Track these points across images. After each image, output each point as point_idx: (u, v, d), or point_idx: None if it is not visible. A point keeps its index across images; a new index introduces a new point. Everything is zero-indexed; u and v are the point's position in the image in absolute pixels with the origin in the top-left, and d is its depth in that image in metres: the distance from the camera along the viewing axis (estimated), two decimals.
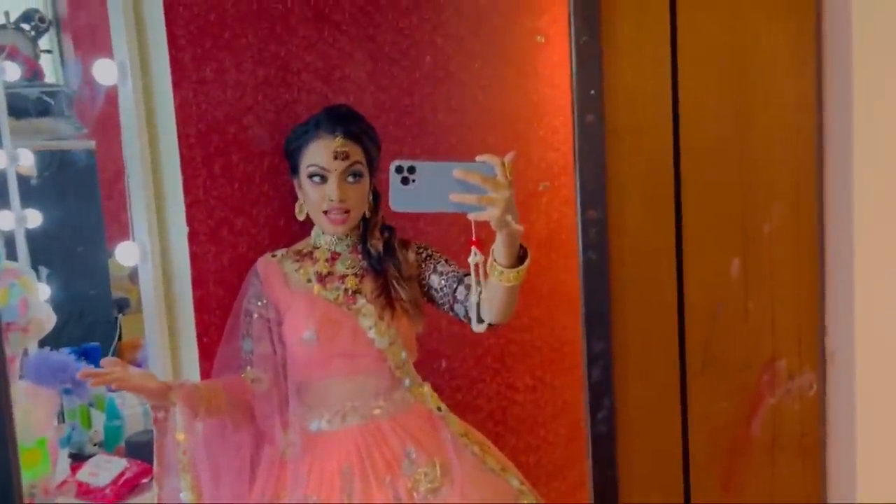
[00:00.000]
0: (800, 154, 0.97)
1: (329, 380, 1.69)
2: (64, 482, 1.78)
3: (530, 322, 2.45)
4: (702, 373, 0.99)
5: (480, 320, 1.51)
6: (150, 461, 1.84)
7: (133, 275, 2.31)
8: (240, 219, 1.87)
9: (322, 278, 1.71)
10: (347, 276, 1.72)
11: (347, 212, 1.68)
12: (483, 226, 1.39)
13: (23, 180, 2.29)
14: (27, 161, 2.21)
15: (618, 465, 0.98)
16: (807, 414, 0.98)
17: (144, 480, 1.79)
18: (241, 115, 1.86)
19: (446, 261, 1.75)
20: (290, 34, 1.92)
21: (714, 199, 0.98)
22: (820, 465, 0.98)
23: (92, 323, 2.57)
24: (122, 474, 1.77)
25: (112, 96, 1.89)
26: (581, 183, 0.99)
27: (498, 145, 2.32)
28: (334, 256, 1.74)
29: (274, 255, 1.77)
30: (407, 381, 1.73)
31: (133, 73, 1.78)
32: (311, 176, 1.68)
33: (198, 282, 1.82)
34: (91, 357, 2.02)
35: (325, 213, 1.68)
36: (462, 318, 1.68)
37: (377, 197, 1.78)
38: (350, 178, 1.68)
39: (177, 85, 1.78)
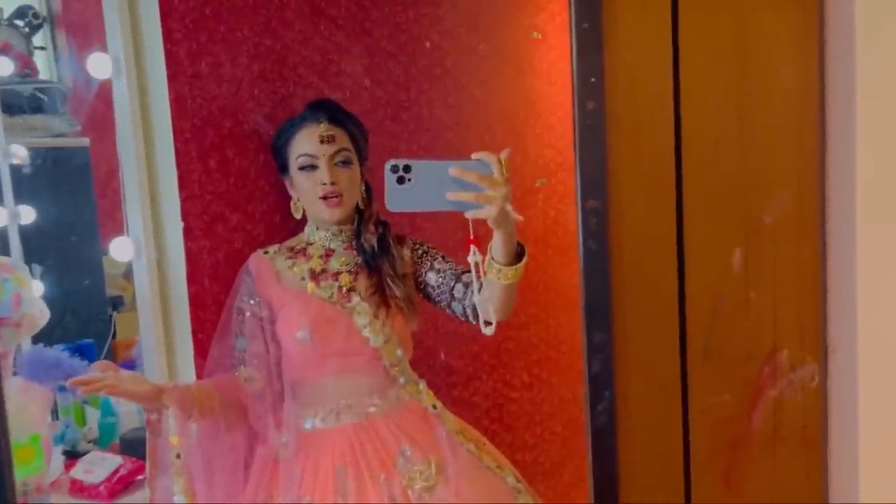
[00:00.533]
0: (802, 144, 0.96)
1: (323, 378, 1.68)
2: (57, 479, 1.76)
3: (527, 319, 2.45)
4: (703, 364, 0.98)
5: (487, 322, 1.47)
6: (145, 458, 1.83)
7: (128, 273, 2.30)
8: (235, 214, 1.86)
9: (316, 276, 1.70)
10: (341, 273, 1.70)
11: (341, 195, 1.66)
12: (481, 224, 1.38)
13: (17, 175, 2.27)
14: (20, 153, 2.19)
15: (618, 458, 0.97)
16: (809, 406, 0.97)
17: (139, 477, 1.78)
18: (237, 109, 1.85)
19: (443, 258, 1.74)
20: (286, 28, 1.91)
21: (715, 189, 0.98)
22: (822, 457, 0.98)
23: (86, 321, 2.55)
24: (116, 471, 1.75)
25: (106, 93, 1.88)
26: (581, 172, 0.98)
27: (495, 142, 2.31)
28: (328, 253, 1.73)
29: (266, 252, 1.76)
30: (402, 379, 1.72)
31: (127, 68, 1.77)
32: (301, 167, 1.67)
33: (193, 277, 1.81)
34: (85, 354, 2.00)
35: (320, 199, 1.66)
36: (459, 316, 1.67)
37: (369, 190, 1.77)
38: (339, 164, 1.67)
39: (172, 79, 1.77)
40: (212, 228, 1.83)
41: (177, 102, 1.78)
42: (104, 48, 1.81)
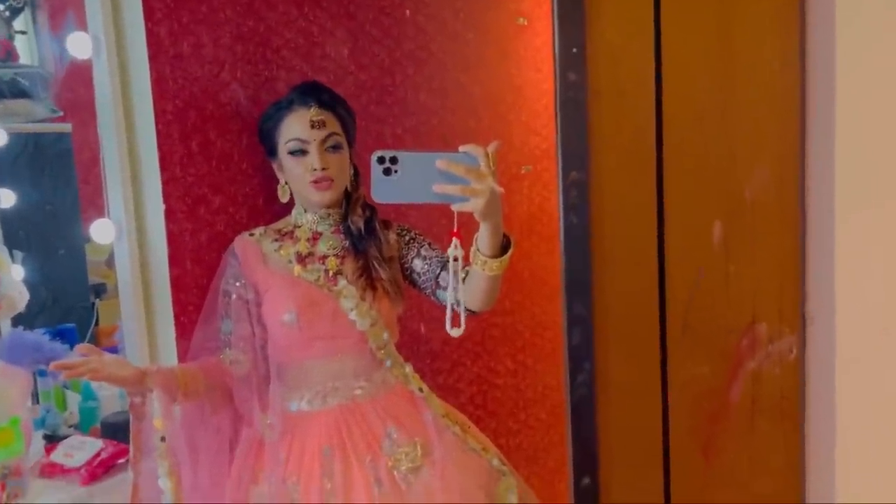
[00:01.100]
0: (783, 120, 0.97)
1: (309, 361, 1.68)
2: (37, 463, 1.75)
3: (512, 306, 2.45)
4: (682, 337, 0.99)
5: (455, 325, 1.42)
6: (127, 442, 1.82)
7: (110, 260, 2.27)
8: (217, 197, 1.85)
9: (302, 259, 1.69)
10: (328, 256, 1.70)
11: (332, 180, 1.66)
12: (467, 216, 1.38)
13: None
14: (1, 138, 2.16)
15: (597, 429, 0.98)
16: (787, 378, 0.97)
17: (120, 461, 1.76)
18: (219, 91, 1.84)
19: (430, 245, 1.74)
20: (270, 9, 1.89)
21: (696, 163, 0.98)
22: (799, 428, 0.98)
23: (69, 308, 2.53)
24: (97, 455, 1.74)
25: (88, 78, 1.86)
26: (563, 145, 0.97)
27: (480, 128, 2.31)
28: (316, 236, 1.73)
29: (252, 234, 1.75)
30: (388, 362, 1.72)
31: (108, 47, 1.75)
32: (291, 152, 1.67)
33: (175, 260, 1.80)
34: (66, 338, 1.99)
35: (311, 183, 1.66)
36: (443, 304, 1.68)
37: (357, 173, 1.76)
38: (330, 149, 1.66)
39: (153, 59, 1.75)
40: (194, 211, 1.82)
41: (158, 83, 1.76)
42: (84, 29, 1.79)
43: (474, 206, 1.31)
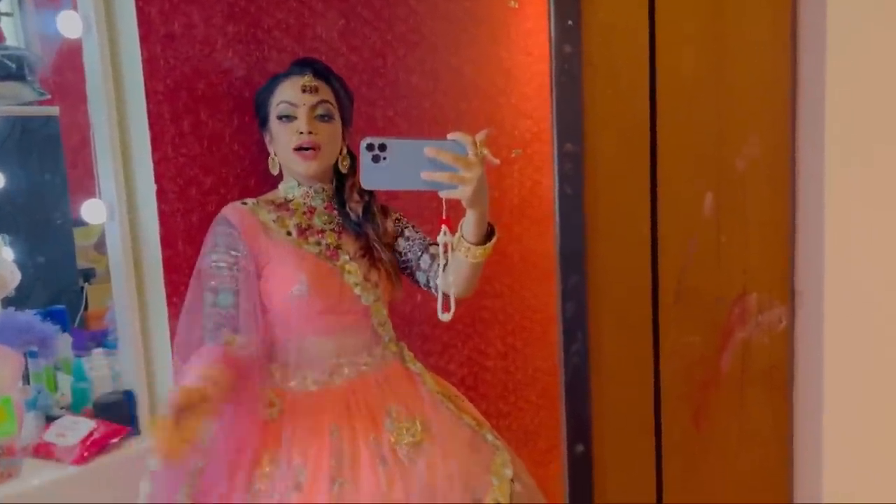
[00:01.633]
0: (774, 92, 0.98)
1: (314, 337, 1.63)
2: (30, 443, 1.75)
3: (502, 289, 2.46)
4: (674, 307, 1.00)
5: (445, 309, 1.46)
6: (119, 422, 1.82)
7: (99, 244, 2.27)
8: (209, 178, 1.85)
9: (303, 231, 1.66)
10: (325, 231, 1.68)
11: (318, 149, 1.61)
12: (454, 203, 1.39)
13: None
14: None
15: (591, 398, 0.99)
16: (776, 347, 0.99)
17: (113, 441, 1.77)
18: (211, 71, 1.83)
19: (413, 227, 1.75)
20: None
21: (689, 135, 0.99)
22: (787, 397, 1.00)
23: (57, 292, 2.52)
24: (90, 435, 1.74)
25: (76, 61, 1.85)
26: (557, 116, 0.99)
27: (470, 111, 2.31)
28: (310, 210, 1.70)
29: (244, 203, 1.68)
30: (386, 338, 1.72)
31: (98, 26, 1.74)
32: (280, 116, 1.63)
33: (167, 241, 1.80)
34: (57, 319, 1.98)
35: (296, 150, 1.61)
36: (423, 286, 1.70)
37: (354, 158, 1.73)
38: (319, 117, 1.63)
39: (144, 39, 1.74)
40: (185, 192, 1.82)
41: (149, 63, 1.76)
42: (74, 8, 1.78)
43: (462, 193, 1.34)
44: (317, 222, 1.69)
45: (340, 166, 1.71)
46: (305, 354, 1.64)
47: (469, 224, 1.44)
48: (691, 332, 0.99)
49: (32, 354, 1.93)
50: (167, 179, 1.79)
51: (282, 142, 1.64)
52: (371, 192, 1.74)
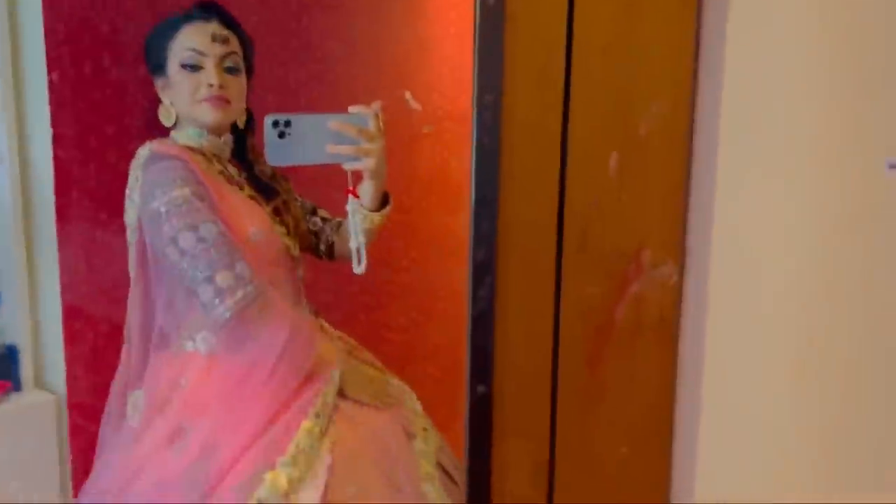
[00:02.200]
0: (677, 60, 1.04)
1: (273, 285, 1.49)
2: None
3: (409, 264, 2.48)
4: (577, 257, 1.05)
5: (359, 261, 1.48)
6: (2, 375, 1.73)
7: None
8: (110, 126, 1.78)
9: (228, 178, 1.54)
10: (242, 183, 1.56)
11: (228, 101, 1.50)
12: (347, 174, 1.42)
13: None
14: None
15: (494, 340, 1.02)
16: (666, 301, 1.05)
17: None
18: (114, 16, 1.76)
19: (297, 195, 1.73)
20: None
21: (600, 94, 1.04)
22: (674, 348, 1.07)
23: None
24: None
25: None
26: (479, 67, 1.01)
27: (384, 81, 2.31)
28: (219, 161, 1.55)
29: (162, 141, 1.52)
30: (303, 293, 1.67)
31: None
32: (184, 65, 1.48)
33: (60, 189, 1.72)
34: None
35: (204, 100, 1.48)
36: (311, 249, 1.71)
37: (251, 117, 1.62)
38: (227, 69, 1.51)
39: None
40: (83, 139, 1.75)
41: (49, 2, 1.67)
42: None
43: (366, 165, 1.38)
44: (232, 172, 1.56)
45: (238, 122, 1.59)
46: None
47: (367, 193, 1.47)
48: (591, 282, 1.04)
49: None
50: (65, 126, 1.71)
51: (184, 92, 1.50)
52: None
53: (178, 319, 1.48)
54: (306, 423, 1.39)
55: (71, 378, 1.78)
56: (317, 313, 1.72)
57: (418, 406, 1.71)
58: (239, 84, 1.54)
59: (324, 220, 1.72)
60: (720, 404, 1.06)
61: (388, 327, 2.47)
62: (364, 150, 1.36)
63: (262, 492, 1.31)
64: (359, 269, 1.48)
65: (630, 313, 1.02)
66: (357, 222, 1.47)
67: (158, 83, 1.55)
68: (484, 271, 0.96)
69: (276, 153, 1.34)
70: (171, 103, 1.53)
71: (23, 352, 1.77)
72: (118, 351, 1.68)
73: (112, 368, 1.74)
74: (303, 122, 1.34)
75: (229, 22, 1.55)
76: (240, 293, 1.38)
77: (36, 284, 1.78)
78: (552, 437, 1.05)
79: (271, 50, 2.02)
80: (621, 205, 1.01)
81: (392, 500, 1.43)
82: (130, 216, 1.50)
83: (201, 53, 1.49)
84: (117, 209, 1.59)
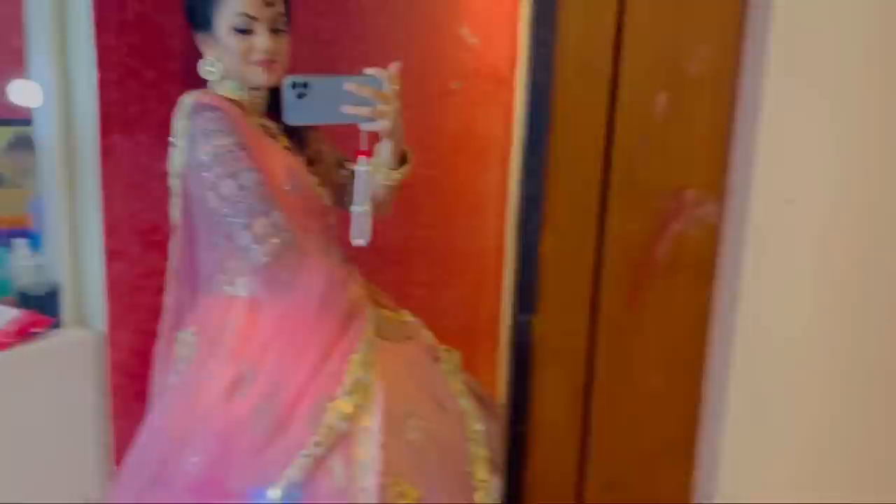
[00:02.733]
0: (726, 1, 1.07)
1: (309, 234, 1.57)
2: None
3: (432, 220, 2.51)
4: (621, 196, 1.09)
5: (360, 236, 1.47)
6: (44, 312, 1.78)
7: (11, 148, 2.17)
8: (150, 71, 1.81)
9: (266, 129, 1.59)
10: (277, 135, 1.61)
11: (277, 62, 1.55)
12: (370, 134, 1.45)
13: None
14: None
15: (540, 272, 1.07)
16: (704, 241, 1.09)
17: (35, 331, 1.73)
18: None
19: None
20: None
21: (649, 35, 1.07)
22: (709, 287, 1.11)
23: None
24: (11, 323, 1.70)
25: None
26: (535, 4, 1.04)
27: (416, 37, 2.33)
28: (258, 114, 1.61)
29: (205, 93, 1.55)
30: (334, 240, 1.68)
31: None
32: (236, 28, 1.52)
33: (106, 130, 1.76)
34: None
35: (257, 62, 1.53)
36: (338, 201, 1.71)
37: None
38: (275, 30, 1.55)
39: None
40: (124, 82, 1.78)
41: None
42: None
43: (382, 125, 1.41)
44: (269, 124, 1.61)
45: None
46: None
47: (385, 152, 1.49)
48: (634, 219, 1.08)
49: None
50: (108, 69, 1.74)
51: (235, 53, 1.53)
52: None
53: (220, 264, 1.55)
54: (355, 356, 1.49)
55: (111, 317, 1.84)
56: (347, 260, 1.76)
57: (431, 337, 1.81)
58: (284, 44, 1.58)
59: (349, 173, 1.74)
60: (752, 343, 1.10)
61: (412, 283, 2.51)
62: (379, 111, 1.40)
63: (330, 419, 1.40)
64: (358, 240, 1.46)
65: (670, 251, 1.06)
66: (363, 183, 1.45)
67: (202, 38, 1.58)
68: (532, 206, 1.00)
69: (294, 113, 1.39)
70: (219, 59, 1.56)
71: (65, 290, 1.83)
72: (157, 292, 1.74)
73: (150, 309, 1.79)
74: (320, 84, 1.39)
75: None
76: (276, 239, 1.45)
77: (77, 226, 1.82)
78: (590, 368, 1.10)
79: (307, 2, 2.04)
80: (666, 144, 1.04)
81: (439, 417, 1.56)
82: (175, 163, 1.54)
83: (254, 18, 1.52)
84: (158, 154, 1.64)
